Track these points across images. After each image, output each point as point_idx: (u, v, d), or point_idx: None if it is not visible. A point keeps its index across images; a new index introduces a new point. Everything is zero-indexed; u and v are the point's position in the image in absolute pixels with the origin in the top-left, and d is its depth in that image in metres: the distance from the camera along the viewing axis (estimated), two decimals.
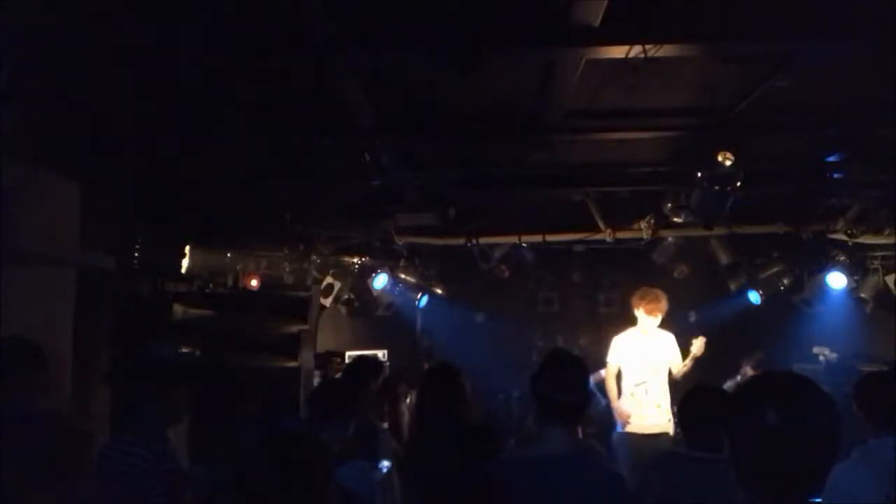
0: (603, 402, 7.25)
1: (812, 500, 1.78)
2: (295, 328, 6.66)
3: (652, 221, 6.50)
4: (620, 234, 6.78)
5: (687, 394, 3.50)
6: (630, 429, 6.28)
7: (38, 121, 3.57)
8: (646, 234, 6.70)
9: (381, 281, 7.63)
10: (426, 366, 6.39)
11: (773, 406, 1.63)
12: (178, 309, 5.49)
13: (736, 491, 1.70)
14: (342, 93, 3.93)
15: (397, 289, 8.05)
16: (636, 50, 3.26)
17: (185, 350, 5.36)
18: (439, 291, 8.44)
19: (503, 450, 3.58)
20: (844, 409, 3.07)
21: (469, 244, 7.15)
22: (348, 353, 7.69)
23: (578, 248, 7.70)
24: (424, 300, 8.41)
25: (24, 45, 3.05)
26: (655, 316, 6.34)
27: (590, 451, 2.98)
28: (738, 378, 6.97)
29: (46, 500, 2.15)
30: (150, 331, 5.07)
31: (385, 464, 3.89)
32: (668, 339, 6.43)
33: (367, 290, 7.76)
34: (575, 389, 2.82)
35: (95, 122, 3.94)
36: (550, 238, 7.17)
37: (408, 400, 5.23)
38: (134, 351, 4.82)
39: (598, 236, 6.83)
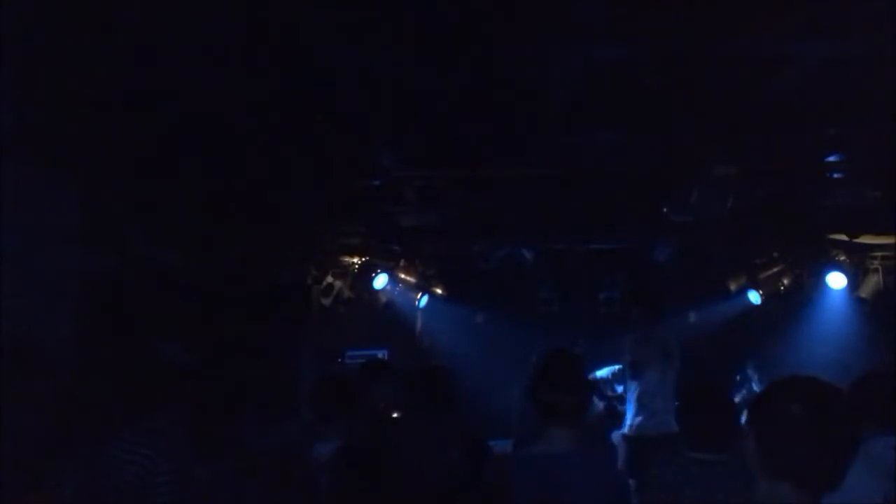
0: (600, 404, 7.28)
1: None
2: (295, 328, 6.67)
3: (653, 222, 6.51)
4: (620, 235, 6.78)
5: (686, 394, 3.50)
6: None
7: (38, 121, 3.57)
8: (646, 234, 6.71)
9: (381, 281, 7.64)
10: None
11: (801, 401, 1.83)
12: (178, 308, 5.48)
13: (756, 486, 1.85)
14: (342, 91, 3.94)
15: (397, 289, 8.05)
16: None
17: (185, 349, 5.36)
18: (439, 291, 8.44)
19: (491, 453, 3.57)
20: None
21: (469, 244, 7.15)
22: (348, 353, 7.71)
23: (578, 247, 7.71)
24: (424, 300, 8.42)
25: (25, 45, 3.06)
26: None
27: (590, 449, 2.98)
28: (752, 383, 7.02)
29: (44, 499, 2.16)
30: (150, 330, 5.07)
31: None
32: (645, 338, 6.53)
33: (368, 290, 7.76)
34: (574, 390, 2.82)
35: (95, 122, 3.94)
36: (550, 238, 7.17)
37: None
38: (134, 351, 4.81)
39: (597, 236, 6.83)
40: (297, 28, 3.23)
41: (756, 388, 7.22)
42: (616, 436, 6.70)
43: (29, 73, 3.23)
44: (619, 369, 7.20)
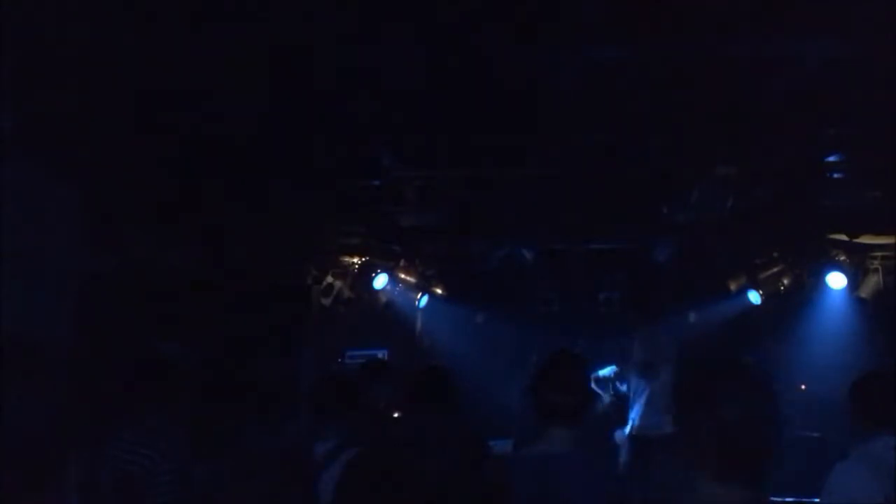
0: (606, 398, 7.29)
1: (811, 500, 1.82)
2: (295, 328, 6.67)
3: (653, 222, 6.51)
4: (620, 234, 6.78)
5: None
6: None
7: (38, 121, 3.57)
8: (646, 234, 6.71)
9: (381, 281, 7.64)
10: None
11: (725, 390, 1.73)
12: (178, 308, 5.48)
13: (702, 483, 1.73)
14: (342, 91, 3.94)
15: (397, 289, 8.05)
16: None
17: (185, 349, 5.36)
18: (439, 291, 8.44)
19: (491, 453, 3.57)
20: (843, 410, 3.08)
21: (469, 244, 7.15)
22: (348, 353, 7.71)
23: (578, 247, 7.71)
24: (424, 300, 8.41)
25: (25, 44, 3.06)
26: None
27: (591, 450, 2.98)
28: None
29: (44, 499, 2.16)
30: (150, 330, 5.07)
31: None
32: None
33: (368, 290, 7.76)
34: (575, 390, 2.82)
35: (95, 122, 3.94)
36: (550, 238, 7.17)
37: None
38: (135, 350, 4.82)
39: (597, 236, 6.83)
40: (297, 28, 3.23)
41: None
42: (619, 435, 6.71)
43: (29, 72, 3.23)
44: (619, 369, 7.21)
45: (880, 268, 6.96)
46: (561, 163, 5.46)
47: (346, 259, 7.53)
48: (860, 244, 6.52)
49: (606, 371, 7.49)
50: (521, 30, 3.30)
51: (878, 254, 6.87)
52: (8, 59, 3.03)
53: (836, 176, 5.49)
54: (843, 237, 6.46)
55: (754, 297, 7.73)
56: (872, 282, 6.98)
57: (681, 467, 1.75)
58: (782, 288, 7.53)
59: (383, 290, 7.81)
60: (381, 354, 7.56)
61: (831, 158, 5.26)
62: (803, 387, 7.57)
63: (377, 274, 7.60)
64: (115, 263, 4.66)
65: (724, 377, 1.80)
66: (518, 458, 3.21)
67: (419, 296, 8.35)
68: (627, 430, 6.56)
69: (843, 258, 6.93)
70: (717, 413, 1.70)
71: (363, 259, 7.51)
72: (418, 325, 8.65)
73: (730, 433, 1.68)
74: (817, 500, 1.88)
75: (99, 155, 4.26)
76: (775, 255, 7.48)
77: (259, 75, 3.79)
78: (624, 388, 7.20)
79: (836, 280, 6.98)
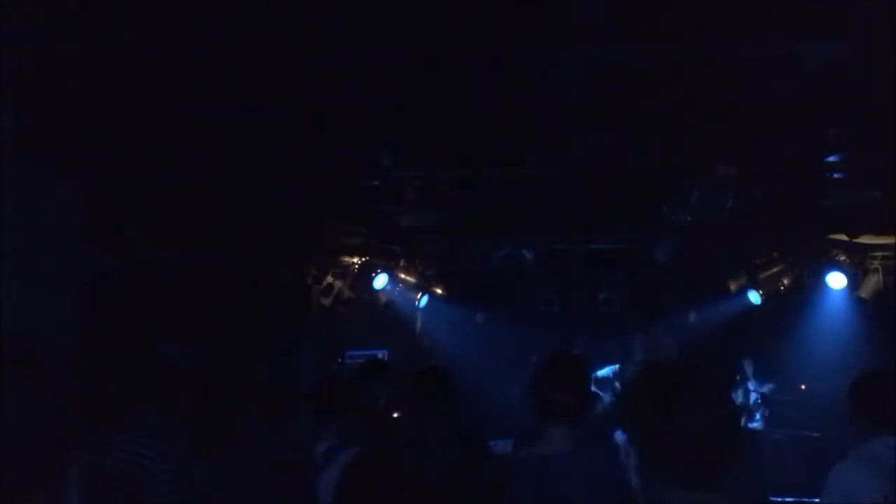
0: (606, 398, 7.30)
1: (811, 500, 1.81)
2: (295, 328, 6.67)
3: (653, 222, 6.51)
4: (620, 234, 6.78)
5: None
6: None
7: (38, 121, 3.57)
8: (646, 234, 6.72)
9: (381, 281, 7.65)
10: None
11: (675, 396, 1.68)
12: (178, 308, 5.49)
13: (657, 489, 1.70)
14: (343, 92, 3.94)
15: (397, 289, 8.06)
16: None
17: (185, 349, 5.36)
18: (439, 291, 8.45)
19: (491, 453, 3.57)
20: (843, 410, 3.08)
21: (469, 244, 7.15)
22: (348, 353, 7.72)
23: (578, 247, 7.72)
24: (424, 300, 8.42)
25: (24, 45, 3.06)
26: None
27: (591, 450, 2.98)
28: (748, 382, 7.06)
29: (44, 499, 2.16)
30: (150, 330, 5.08)
31: None
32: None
33: (368, 290, 7.77)
34: (575, 389, 2.82)
35: (95, 122, 3.94)
36: (550, 238, 7.17)
37: None
38: (135, 350, 4.82)
39: (597, 236, 6.83)
40: (297, 28, 3.23)
41: (751, 384, 7.26)
42: (620, 435, 6.71)
43: (28, 73, 3.23)
44: (619, 369, 7.22)
45: (880, 268, 6.97)
46: (561, 163, 5.45)
47: (346, 259, 7.54)
48: (860, 244, 6.53)
49: (606, 371, 7.50)
50: (521, 30, 3.30)
51: (878, 254, 6.88)
52: (8, 59, 3.03)
53: (836, 176, 5.49)
54: (843, 237, 6.46)
55: (754, 297, 7.74)
56: (872, 282, 6.99)
57: (649, 473, 1.70)
58: (782, 288, 7.54)
59: (383, 290, 7.82)
60: (381, 354, 7.57)
61: (831, 158, 5.26)
62: (803, 387, 7.59)
63: (377, 274, 7.61)
64: (115, 263, 4.66)
65: (681, 382, 1.74)
66: (518, 458, 3.21)
67: (419, 296, 8.36)
68: None
69: (843, 258, 6.94)
70: (678, 419, 1.65)
71: (363, 259, 7.52)
72: (418, 325, 8.66)
73: (690, 437, 1.64)
74: (817, 500, 1.86)
75: (99, 155, 4.26)
76: (775, 255, 7.49)
77: (259, 76, 3.79)
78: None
79: (836, 280, 6.99)
